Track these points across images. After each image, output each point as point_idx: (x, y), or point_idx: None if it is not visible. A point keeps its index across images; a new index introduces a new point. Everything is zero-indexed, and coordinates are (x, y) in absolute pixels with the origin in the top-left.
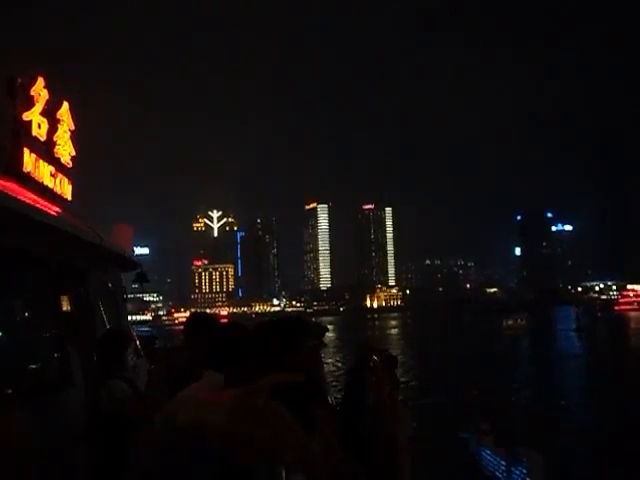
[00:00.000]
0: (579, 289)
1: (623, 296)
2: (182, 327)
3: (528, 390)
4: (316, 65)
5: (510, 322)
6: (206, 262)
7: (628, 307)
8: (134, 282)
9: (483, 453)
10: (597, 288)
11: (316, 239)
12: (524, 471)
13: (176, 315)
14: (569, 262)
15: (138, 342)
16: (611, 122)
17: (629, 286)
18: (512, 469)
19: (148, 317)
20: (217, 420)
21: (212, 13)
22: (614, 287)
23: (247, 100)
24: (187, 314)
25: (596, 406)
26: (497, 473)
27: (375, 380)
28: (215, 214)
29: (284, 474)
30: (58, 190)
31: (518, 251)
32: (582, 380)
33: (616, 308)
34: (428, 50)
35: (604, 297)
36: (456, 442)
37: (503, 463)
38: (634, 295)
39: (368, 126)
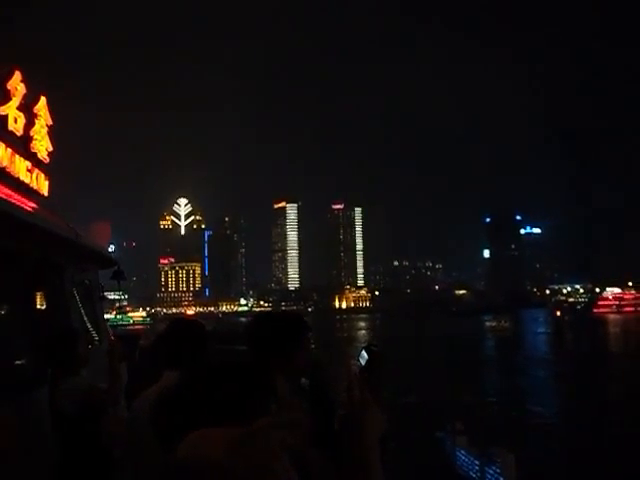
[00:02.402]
0: (547, 292)
1: (601, 299)
2: (139, 326)
3: (502, 392)
4: (284, 64)
5: (494, 324)
6: (173, 260)
7: (606, 310)
8: (111, 279)
9: (458, 453)
10: (565, 291)
11: (285, 239)
12: (497, 471)
13: (131, 314)
14: (537, 265)
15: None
16: (579, 127)
17: (608, 289)
18: (486, 469)
19: (111, 316)
20: (217, 455)
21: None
22: (581, 290)
23: (216, 98)
24: (143, 313)
25: (568, 408)
26: (471, 473)
27: (350, 378)
28: (183, 212)
29: None
30: (34, 186)
31: (487, 253)
32: (556, 383)
33: (594, 311)
34: (396, 50)
35: (571, 300)
36: (431, 442)
37: (477, 463)
38: (613, 298)
39: (337, 126)
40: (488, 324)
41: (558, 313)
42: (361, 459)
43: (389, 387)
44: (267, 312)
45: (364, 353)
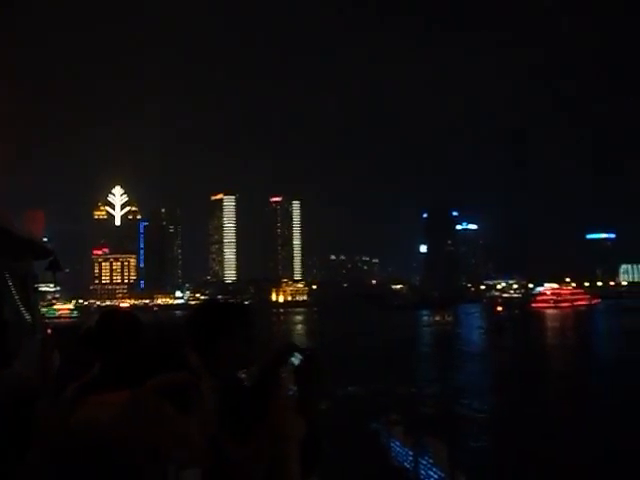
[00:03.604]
0: (482, 287)
1: (540, 294)
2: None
3: (438, 385)
4: (220, 53)
5: (437, 318)
6: (107, 251)
7: (544, 305)
8: (47, 270)
9: (393, 444)
10: (499, 286)
11: (222, 231)
12: (430, 461)
13: (57, 307)
14: (472, 260)
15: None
16: (514, 123)
17: (547, 284)
18: (419, 459)
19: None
20: (108, 420)
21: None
22: (515, 285)
23: (153, 86)
24: (70, 306)
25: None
26: (405, 464)
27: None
28: (118, 202)
29: (175, 472)
30: None
31: (423, 248)
32: (491, 376)
33: (533, 305)
34: (331, 45)
35: (506, 295)
36: (367, 433)
37: (411, 453)
38: (551, 293)
39: (277, 118)
40: (432, 318)
41: (499, 308)
42: (281, 454)
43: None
44: (209, 299)
45: (295, 358)
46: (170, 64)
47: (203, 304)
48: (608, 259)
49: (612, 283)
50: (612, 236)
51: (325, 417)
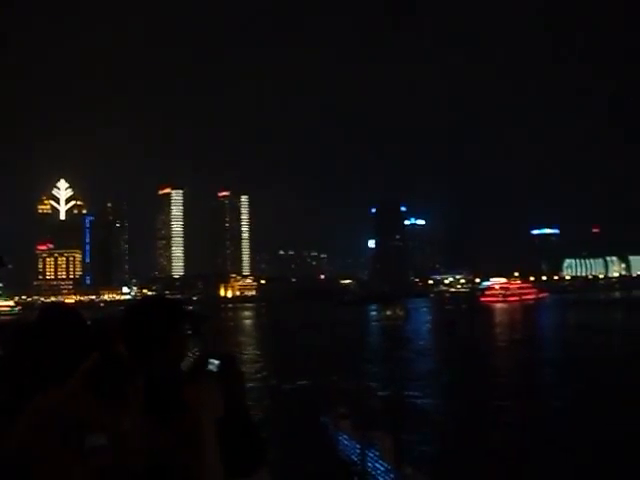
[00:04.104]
0: (429, 282)
1: (489, 288)
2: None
3: (386, 379)
4: (173, 45)
5: (389, 312)
6: (51, 247)
7: (493, 299)
8: None
9: (340, 437)
10: (446, 281)
11: (169, 226)
12: (377, 453)
13: None
14: (420, 255)
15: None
16: (466, 121)
17: (494, 279)
18: (366, 452)
19: None
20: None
21: None
22: (462, 280)
23: (100, 81)
24: (10, 302)
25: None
26: (353, 457)
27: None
28: (63, 196)
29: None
30: None
31: (372, 243)
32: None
33: (482, 299)
34: (285, 39)
35: (453, 290)
36: (316, 426)
37: (358, 447)
38: (499, 287)
39: (225, 111)
40: (383, 313)
41: (449, 302)
42: (195, 432)
43: (276, 374)
44: (144, 298)
45: (212, 365)
46: (121, 62)
47: (137, 302)
48: (552, 254)
49: (556, 277)
50: (556, 231)
51: (259, 415)
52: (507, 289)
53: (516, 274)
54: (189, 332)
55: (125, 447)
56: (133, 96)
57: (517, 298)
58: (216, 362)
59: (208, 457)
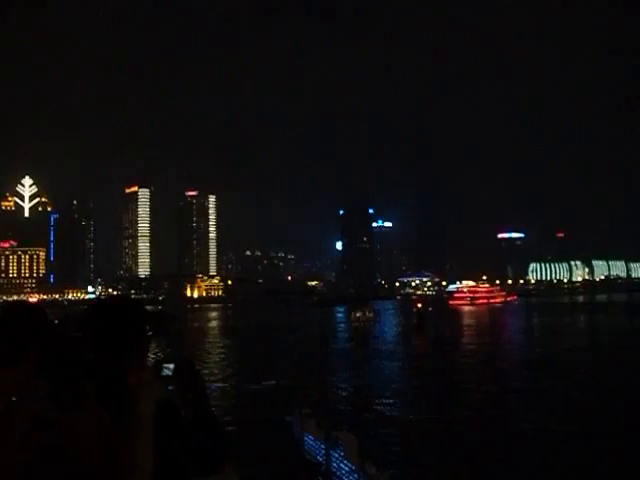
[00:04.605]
0: (396, 284)
1: (458, 291)
2: None
3: (353, 379)
4: (140, 43)
5: (359, 314)
6: (15, 244)
7: (461, 302)
8: None
9: (305, 438)
10: (413, 284)
11: (136, 225)
12: (342, 454)
13: None
14: (387, 258)
15: None
16: (433, 126)
17: (464, 282)
18: (331, 452)
19: None
20: None
21: None
22: (429, 283)
23: (67, 80)
24: None
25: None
26: (318, 457)
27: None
28: (27, 193)
29: None
30: None
31: (340, 245)
32: (406, 372)
33: (450, 302)
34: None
35: (420, 292)
36: (281, 426)
37: (323, 447)
38: (468, 291)
39: (192, 111)
40: (353, 314)
41: (419, 305)
42: (133, 427)
43: (242, 373)
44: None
45: (166, 369)
46: (90, 61)
47: (99, 302)
48: (518, 258)
49: (522, 281)
50: (521, 235)
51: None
52: (475, 292)
53: (484, 277)
54: (151, 333)
55: (80, 447)
56: (100, 95)
57: (485, 301)
58: (171, 366)
59: (134, 452)
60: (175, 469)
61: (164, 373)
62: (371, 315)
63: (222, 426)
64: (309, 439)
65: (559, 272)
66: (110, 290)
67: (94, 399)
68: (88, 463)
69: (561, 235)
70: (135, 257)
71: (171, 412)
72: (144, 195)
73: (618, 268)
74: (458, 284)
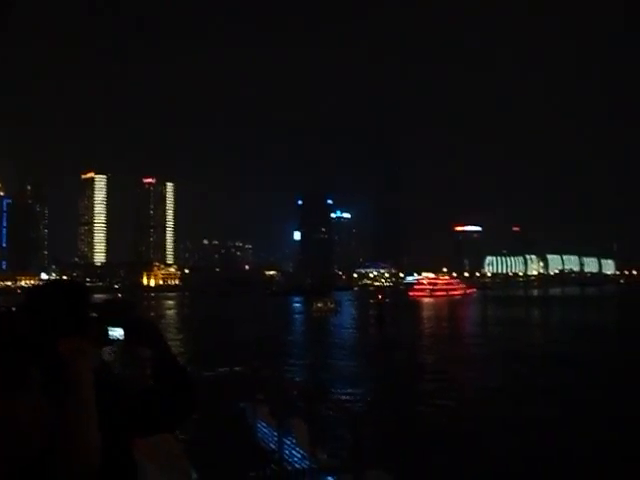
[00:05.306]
0: (354, 275)
1: (417, 283)
2: None
3: (308, 369)
4: (92, 30)
5: (320, 304)
6: None
7: (421, 293)
8: None
9: (259, 425)
10: (371, 275)
11: (92, 211)
12: (294, 441)
13: None
14: (345, 249)
15: None
16: (393, 115)
17: (423, 273)
18: (283, 439)
19: None
20: None
21: None
22: (386, 274)
23: (21, 64)
24: None
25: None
26: (271, 444)
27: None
28: None
29: None
30: None
31: (298, 235)
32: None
33: (410, 294)
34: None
35: (377, 284)
36: (235, 413)
37: (275, 434)
38: (427, 282)
39: (149, 97)
40: (315, 305)
41: (380, 297)
42: (71, 403)
43: (196, 361)
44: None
45: (114, 332)
46: (42, 47)
47: (38, 285)
48: (474, 251)
49: (478, 274)
50: (478, 229)
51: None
52: (435, 284)
53: (445, 270)
54: (95, 315)
55: (19, 431)
56: (54, 79)
57: (444, 293)
58: (118, 330)
59: (82, 408)
60: (120, 438)
61: (111, 337)
62: (332, 306)
63: (188, 373)
64: (262, 426)
65: (515, 266)
66: (65, 277)
67: (36, 382)
68: (28, 447)
69: (517, 230)
70: (91, 244)
71: (109, 379)
72: (101, 181)
73: (572, 262)
74: (416, 276)
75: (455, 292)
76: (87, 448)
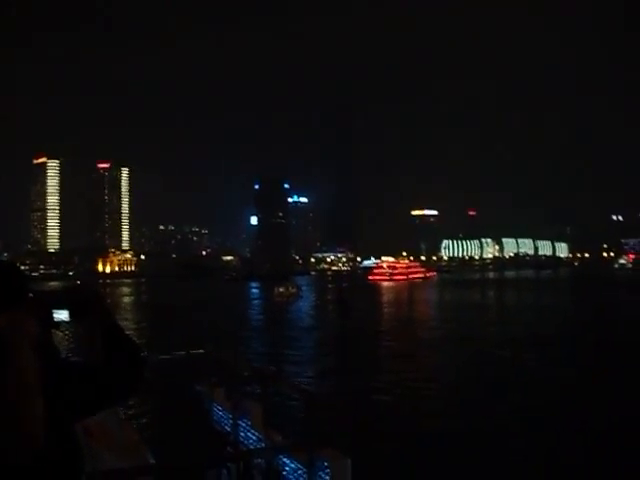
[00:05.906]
0: (312, 260)
1: (377, 267)
2: None
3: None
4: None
5: (281, 289)
6: None
7: (381, 277)
8: None
9: (214, 408)
10: (328, 259)
11: (45, 197)
12: (249, 423)
13: None
14: (302, 233)
15: None
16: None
17: (383, 257)
18: (238, 422)
19: None
20: None
21: None
22: (344, 259)
23: None
24: None
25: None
26: (226, 427)
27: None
28: None
29: None
30: None
31: (254, 220)
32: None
33: (369, 278)
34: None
35: (335, 268)
36: (191, 395)
37: (230, 417)
38: (387, 266)
39: (98, 78)
40: (276, 290)
41: (343, 284)
42: (10, 377)
43: (153, 345)
44: None
45: (59, 314)
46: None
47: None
48: (431, 235)
49: (435, 258)
50: (434, 213)
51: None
52: (395, 268)
53: (404, 253)
54: (32, 295)
55: None
56: (4, 60)
57: (404, 277)
58: (63, 312)
59: (22, 382)
60: (64, 411)
61: (56, 319)
62: (294, 290)
63: (136, 344)
64: (218, 409)
65: (470, 249)
66: (17, 265)
67: None
68: None
69: (472, 214)
70: (44, 231)
71: (55, 358)
72: (53, 166)
73: (526, 246)
74: (374, 260)
75: (415, 276)
76: (29, 417)
